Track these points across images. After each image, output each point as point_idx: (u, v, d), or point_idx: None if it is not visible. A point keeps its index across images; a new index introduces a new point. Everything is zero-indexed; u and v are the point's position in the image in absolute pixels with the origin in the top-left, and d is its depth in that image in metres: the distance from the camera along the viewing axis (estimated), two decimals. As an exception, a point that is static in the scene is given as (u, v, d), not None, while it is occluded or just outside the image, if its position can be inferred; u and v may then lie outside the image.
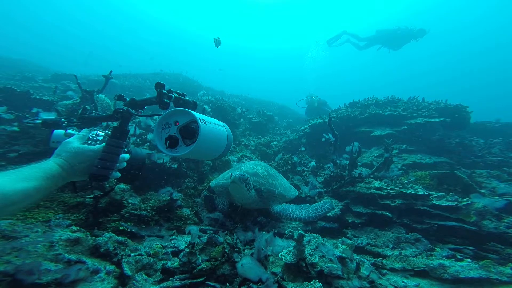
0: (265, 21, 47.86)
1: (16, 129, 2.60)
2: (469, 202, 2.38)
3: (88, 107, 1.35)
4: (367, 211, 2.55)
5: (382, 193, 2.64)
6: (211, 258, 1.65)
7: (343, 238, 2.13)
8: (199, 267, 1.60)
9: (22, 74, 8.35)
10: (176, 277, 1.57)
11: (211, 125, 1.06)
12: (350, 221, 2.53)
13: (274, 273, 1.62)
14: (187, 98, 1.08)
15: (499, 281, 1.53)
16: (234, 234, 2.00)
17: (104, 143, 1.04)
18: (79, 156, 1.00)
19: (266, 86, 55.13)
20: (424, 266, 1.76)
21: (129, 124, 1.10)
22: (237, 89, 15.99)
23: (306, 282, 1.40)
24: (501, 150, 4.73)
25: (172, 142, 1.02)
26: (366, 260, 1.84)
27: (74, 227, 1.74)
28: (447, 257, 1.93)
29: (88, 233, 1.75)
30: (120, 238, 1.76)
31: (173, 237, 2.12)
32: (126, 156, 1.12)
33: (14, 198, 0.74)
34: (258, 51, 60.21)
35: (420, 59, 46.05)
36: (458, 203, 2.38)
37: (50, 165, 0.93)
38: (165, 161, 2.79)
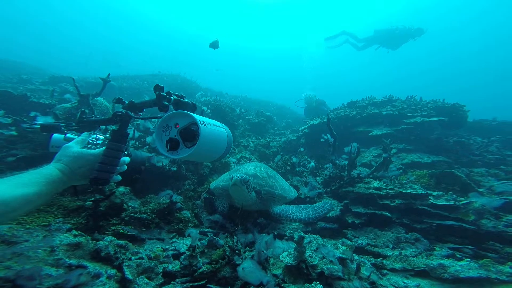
0: (264, 21, 47.90)
1: (14, 133, 2.59)
2: (468, 201, 2.40)
3: (87, 111, 1.35)
4: (367, 211, 2.56)
5: (381, 193, 2.65)
6: (212, 261, 1.66)
7: (343, 239, 2.14)
8: (200, 270, 1.61)
9: (19, 77, 8.30)
10: (177, 280, 1.57)
11: (211, 127, 1.06)
12: (350, 221, 2.54)
13: (275, 275, 1.63)
14: (186, 100, 1.08)
15: (499, 280, 1.54)
16: (235, 237, 2.00)
17: (104, 147, 1.04)
18: (79, 161, 1.00)
19: (265, 86, 55.10)
20: (424, 266, 1.77)
21: (128, 127, 1.10)
22: (236, 89, 16.00)
23: (307, 284, 1.40)
24: (498, 148, 4.77)
25: (173, 145, 1.02)
26: (366, 261, 1.85)
27: (74, 232, 1.74)
28: (447, 257, 1.95)
29: (88, 237, 1.74)
30: (120, 241, 1.75)
31: (173, 240, 2.12)
32: (127, 159, 1.12)
33: (14, 205, 0.74)
34: (256, 51, 60.24)
35: (417, 58, 46.27)
36: (456, 202, 2.39)
37: (50, 170, 0.93)
38: (164, 164, 2.79)
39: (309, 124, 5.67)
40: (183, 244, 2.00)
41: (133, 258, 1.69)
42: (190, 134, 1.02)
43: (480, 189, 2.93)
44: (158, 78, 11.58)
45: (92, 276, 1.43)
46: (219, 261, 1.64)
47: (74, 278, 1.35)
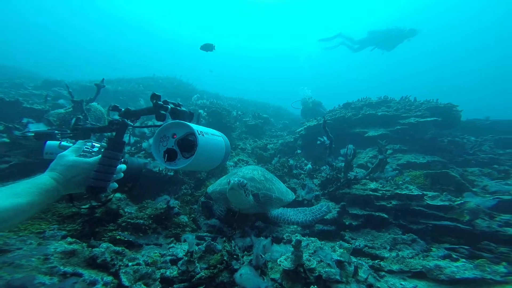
0: (262, 21, 47.86)
1: (6, 140, 2.54)
2: (462, 201, 2.43)
3: (81, 117, 1.34)
4: (364, 213, 2.58)
5: (378, 194, 2.68)
6: (210, 266, 1.65)
7: (341, 241, 2.15)
8: (198, 276, 1.60)
9: (11, 81, 8.17)
10: (175, 286, 1.56)
11: (209, 137, 1.06)
12: (347, 223, 2.55)
13: (273, 279, 1.63)
14: (183, 108, 1.08)
15: (493, 280, 1.56)
16: (232, 241, 2.00)
17: (100, 155, 1.04)
18: (74, 169, 0.99)
19: (263, 87, 55.21)
20: (421, 267, 1.79)
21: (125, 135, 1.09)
22: (233, 91, 16.00)
23: (305, 288, 1.40)
24: (491, 147, 4.86)
25: (170, 156, 1.01)
26: (364, 263, 1.86)
27: (69, 239, 1.71)
28: (443, 257, 1.97)
29: (84, 244, 1.72)
30: (117, 248, 1.73)
31: (171, 245, 2.10)
32: (123, 166, 1.12)
33: (4, 215, 0.74)
34: (253, 51, 60.16)
35: (412, 59, 46.96)
36: (451, 203, 2.43)
37: (44, 179, 0.92)
38: (161, 169, 2.78)
39: (305, 126, 5.70)
40: (180, 249, 1.98)
41: (130, 264, 1.67)
42: (188, 144, 1.02)
43: (474, 189, 2.98)
44: (153, 81, 11.54)
45: (87, 284, 1.41)
46: (217, 266, 1.63)
47: (69, 286, 1.33)
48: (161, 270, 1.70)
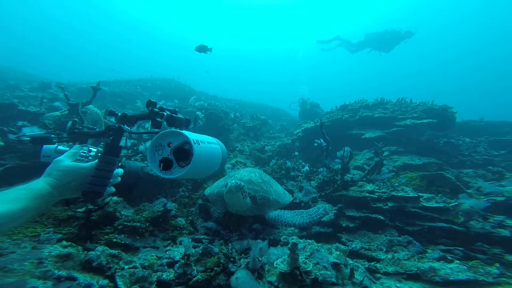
0: (260, 22, 48.06)
1: (1, 143, 2.52)
2: (457, 203, 2.46)
3: (77, 119, 1.34)
4: (360, 215, 2.60)
5: (374, 196, 2.70)
6: (207, 269, 1.65)
7: (337, 243, 2.16)
8: (194, 279, 1.60)
9: (6, 83, 8.10)
10: (171, 289, 1.56)
11: (205, 145, 1.06)
12: (344, 225, 2.57)
13: (270, 282, 1.63)
14: (179, 115, 1.08)
15: (486, 282, 1.59)
16: (230, 244, 2.00)
17: (96, 160, 1.04)
18: (70, 174, 0.99)
19: (261, 88, 55.35)
20: (416, 269, 1.81)
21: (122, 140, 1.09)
22: (231, 92, 16.05)
23: (301, 290, 1.41)
24: (485, 149, 4.92)
25: (166, 165, 1.01)
26: (360, 265, 1.87)
27: (65, 242, 1.70)
28: (439, 259, 1.99)
29: (80, 247, 1.71)
30: (113, 251, 1.73)
31: (168, 247, 2.10)
32: (120, 171, 1.12)
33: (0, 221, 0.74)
34: (252, 53, 60.35)
35: (409, 59, 47.41)
36: (446, 205, 2.45)
37: (39, 185, 0.92)
38: (158, 171, 2.76)
39: (303, 128, 5.73)
40: (177, 252, 1.98)
41: (126, 267, 1.66)
42: (184, 153, 1.01)
43: (469, 190, 3.01)
44: (151, 82, 11.51)
45: (82, 287, 1.40)
46: (214, 269, 1.63)
47: (63, 290, 1.32)
48: (158, 273, 1.70)
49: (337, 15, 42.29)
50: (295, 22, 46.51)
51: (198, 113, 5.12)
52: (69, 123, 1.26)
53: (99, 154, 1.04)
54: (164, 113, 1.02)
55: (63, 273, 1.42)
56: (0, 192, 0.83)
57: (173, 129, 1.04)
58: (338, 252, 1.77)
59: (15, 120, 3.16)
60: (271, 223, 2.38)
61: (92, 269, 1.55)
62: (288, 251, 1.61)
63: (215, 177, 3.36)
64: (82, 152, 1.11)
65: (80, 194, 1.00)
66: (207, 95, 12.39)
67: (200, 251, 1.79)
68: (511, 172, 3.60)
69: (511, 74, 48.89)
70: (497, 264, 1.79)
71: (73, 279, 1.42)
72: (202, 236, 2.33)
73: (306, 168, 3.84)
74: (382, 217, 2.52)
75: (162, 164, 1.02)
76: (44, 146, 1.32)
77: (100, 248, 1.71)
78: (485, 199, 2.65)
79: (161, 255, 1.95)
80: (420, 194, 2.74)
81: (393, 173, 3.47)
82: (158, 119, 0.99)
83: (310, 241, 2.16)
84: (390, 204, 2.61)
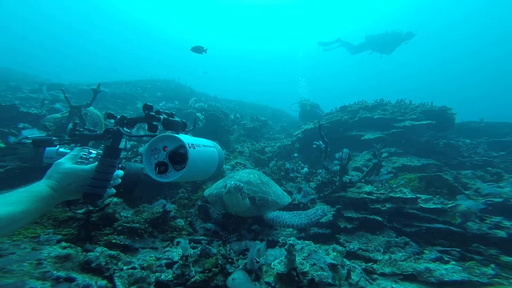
0: (262, 23, 48.18)
1: (2, 145, 2.54)
2: (454, 204, 2.47)
3: (78, 121, 1.36)
4: (359, 216, 2.61)
5: (373, 197, 2.71)
6: (205, 270, 1.67)
7: (335, 244, 2.17)
8: (192, 279, 1.61)
9: (7, 84, 8.15)
10: (170, 290, 1.57)
11: (200, 149, 1.06)
12: (342, 226, 2.58)
13: (267, 283, 1.65)
14: (176, 118, 1.09)
15: (479, 283, 1.61)
16: (228, 245, 2.01)
17: (97, 162, 1.05)
18: (71, 177, 1.00)
19: (262, 88, 55.46)
20: (412, 270, 1.82)
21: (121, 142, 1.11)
22: (232, 93, 16.07)
23: (298, 291, 1.43)
24: (485, 150, 4.92)
25: (161, 169, 1.02)
26: (357, 266, 1.88)
27: (64, 243, 1.72)
28: (435, 260, 2.00)
29: (79, 248, 1.73)
30: (112, 252, 1.75)
31: (167, 248, 2.12)
32: (120, 172, 1.13)
33: (1, 223, 0.75)
34: (253, 53, 60.39)
35: (409, 60, 47.43)
36: (444, 206, 2.47)
37: (40, 187, 0.93)
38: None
39: (303, 129, 5.74)
40: (176, 253, 2.00)
41: (125, 268, 1.68)
42: (179, 156, 1.02)
43: (467, 192, 3.02)
44: (151, 84, 11.55)
45: (81, 288, 1.42)
46: (212, 270, 1.65)
47: (61, 291, 1.34)
48: (156, 274, 1.72)
49: (337, 15, 42.39)
50: (296, 23, 46.60)
51: (198, 114, 5.14)
52: (70, 125, 1.27)
53: (99, 156, 1.05)
54: (161, 116, 1.03)
55: (62, 273, 1.44)
56: (1, 194, 0.84)
57: (168, 133, 1.05)
58: (335, 253, 1.79)
59: (16, 122, 3.18)
60: (270, 223, 2.39)
61: (91, 270, 1.57)
62: (285, 253, 1.62)
63: (215, 178, 3.38)
64: (83, 154, 1.12)
65: (80, 196, 1.02)
66: (208, 96, 12.42)
67: (199, 252, 1.81)
68: (509, 174, 3.60)
69: (511, 74, 48.83)
70: (493, 265, 1.80)
71: (72, 279, 1.44)
72: (201, 237, 2.34)
73: (305, 169, 3.86)
74: (380, 218, 2.53)
75: (157, 168, 1.03)
76: (47, 148, 1.34)
77: (99, 249, 1.73)
78: (483, 200, 2.66)
79: (160, 256, 1.97)
80: (418, 195, 2.75)
81: (391, 175, 3.48)
82: (155, 123, 1.00)
83: (308, 242, 2.18)
84: (388, 205, 2.62)
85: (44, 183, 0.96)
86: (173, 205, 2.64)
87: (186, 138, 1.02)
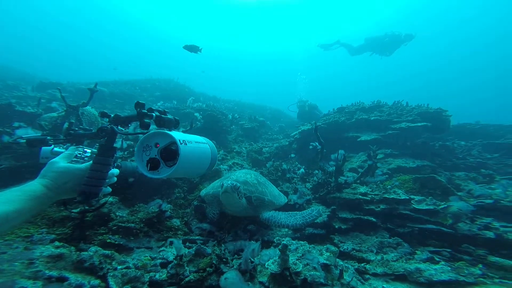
0: (262, 23, 48.17)
1: None
2: (446, 205, 2.51)
3: (73, 121, 1.36)
4: (353, 217, 2.64)
5: (367, 198, 2.74)
6: (199, 270, 1.68)
7: (328, 244, 2.20)
8: (186, 279, 1.62)
9: (5, 83, 8.10)
10: (163, 289, 1.58)
11: (192, 145, 1.08)
12: (336, 226, 2.60)
13: (261, 283, 1.66)
14: (168, 116, 1.10)
15: (466, 282, 1.65)
16: (223, 245, 2.03)
17: (91, 161, 1.06)
18: (65, 175, 1.01)
19: (261, 89, 55.51)
20: (403, 270, 1.85)
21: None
22: (231, 93, 16.07)
23: (290, 291, 1.44)
24: (479, 152, 4.98)
25: (153, 165, 1.03)
26: (350, 266, 1.91)
27: (57, 243, 1.71)
28: (427, 260, 2.03)
29: (72, 247, 1.73)
30: (106, 251, 1.75)
31: (162, 248, 2.13)
32: (116, 171, 1.13)
33: None
34: (253, 54, 60.36)
35: (408, 62, 47.73)
36: (436, 207, 2.50)
37: (34, 186, 0.94)
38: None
39: (300, 130, 5.77)
40: (171, 253, 2.00)
41: (119, 267, 1.69)
42: (171, 153, 1.03)
43: (459, 193, 3.06)
44: (150, 83, 11.53)
45: (73, 287, 1.42)
46: (206, 270, 1.66)
47: (52, 290, 1.33)
48: (151, 273, 1.72)
49: (336, 16, 42.52)
50: (296, 24, 46.70)
51: (196, 114, 5.15)
52: (66, 125, 1.28)
53: (94, 155, 1.06)
54: (153, 114, 1.04)
55: (54, 273, 1.44)
56: None
57: (159, 130, 1.06)
58: (328, 254, 1.81)
59: (11, 120, 3.17)
60: (265, 223, 2.41)
61: (84, 269, 1.57)
62: (280, 253, 1.64)
63: (211, 178, 3.40)
64: (78, 153, 1.13)
65: (75, 195, 1.03)
66: (207, 96, 12.42)
67: (193, 252, 1.82)
68: (501, 175, 3.66)
69: (508, 77, 49.32)
70: (480, 265, 1.84)
71: (65, 279, 1.43)
72: (197, 237, 2.35)
73: (302, 170, 3.88)
74: (374, 219, 2.56)
75: (149, 164, 1.04)
76: (43, 148, 1.34)
77: (93, 248, 1.73)
78: (475, 202, 2.71)
79: (155, 255, 1.97)
80: (412, 196, 2.78)
81: (386, 176, 3.52)
82: (146, 120, 1.01)
83: (302, 242, 2.19)
84: (382, 206, 2.65)
85: (39, 182, 0.96)
86: (169, 205, 2.65)
87: (177, 135, 1.03)
